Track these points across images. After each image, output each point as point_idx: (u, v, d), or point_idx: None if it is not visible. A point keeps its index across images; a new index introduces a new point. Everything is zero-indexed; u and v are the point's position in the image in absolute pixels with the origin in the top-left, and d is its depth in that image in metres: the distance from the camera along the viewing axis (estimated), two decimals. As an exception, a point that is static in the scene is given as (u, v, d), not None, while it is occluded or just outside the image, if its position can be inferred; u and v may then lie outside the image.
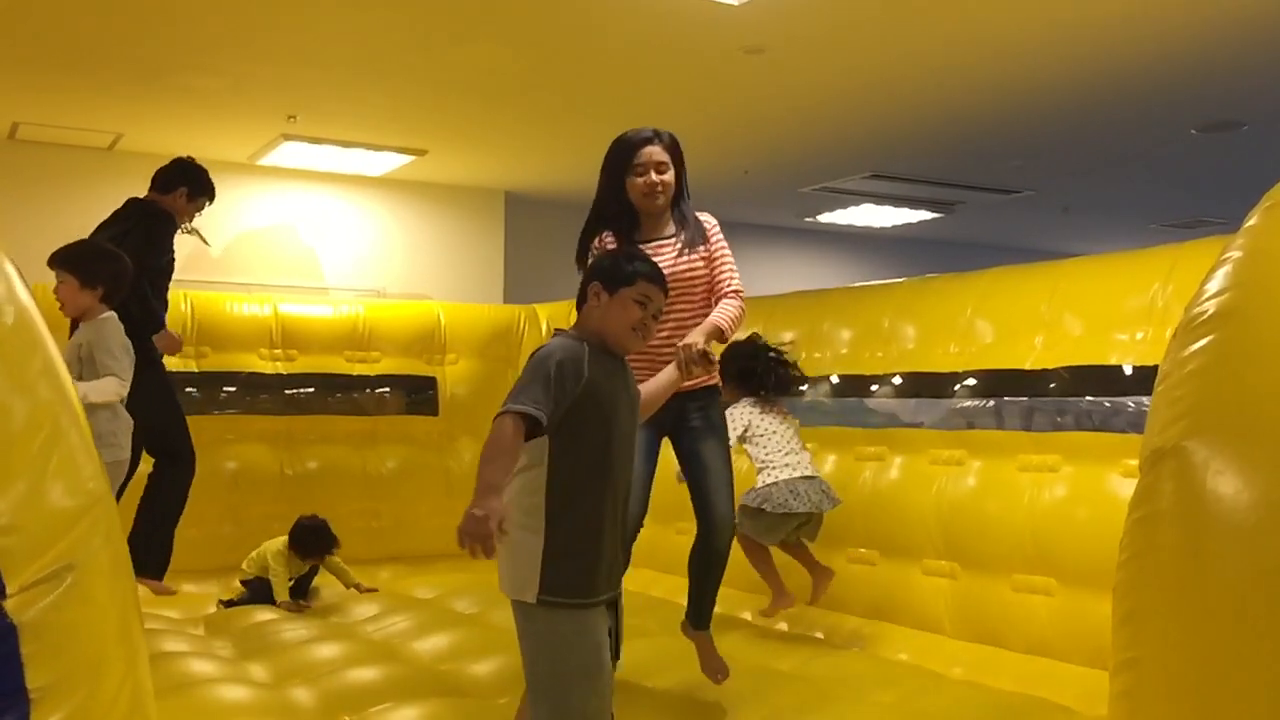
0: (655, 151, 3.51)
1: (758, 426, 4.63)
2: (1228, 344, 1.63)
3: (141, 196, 5.24)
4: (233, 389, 6.38)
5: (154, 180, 5.26)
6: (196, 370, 6.28)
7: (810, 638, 4.78)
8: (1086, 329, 4.26)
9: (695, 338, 3.29)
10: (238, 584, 5.66)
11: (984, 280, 4.84)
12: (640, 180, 3.50)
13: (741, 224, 10.45)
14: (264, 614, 5.08)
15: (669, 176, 3.52)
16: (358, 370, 6.73)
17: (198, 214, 5.38)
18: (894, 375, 4.94)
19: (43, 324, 1.77)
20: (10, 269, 1.71)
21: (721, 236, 3.64)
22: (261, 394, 6.45)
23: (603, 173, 3.63)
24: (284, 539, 5.46)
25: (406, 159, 8.18)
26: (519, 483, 2.62)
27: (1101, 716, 2.38)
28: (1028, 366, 4.38)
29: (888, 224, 10.91)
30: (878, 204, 9.88)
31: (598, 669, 2.59)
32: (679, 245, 3.55)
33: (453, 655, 4.24)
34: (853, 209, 10.15)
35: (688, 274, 3.53)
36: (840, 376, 5.19)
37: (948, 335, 4.78)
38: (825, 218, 10.62)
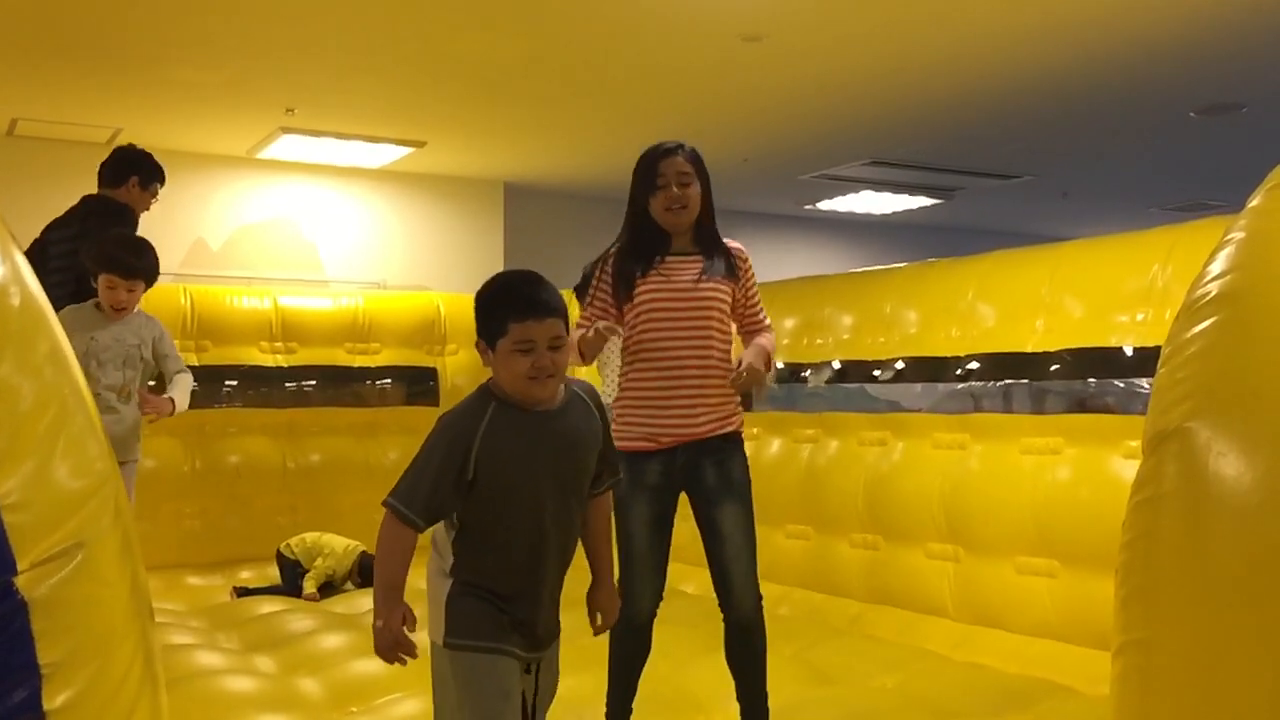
0: (678, 163, 3.19)
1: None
2: (1231, 325, 1.63)
3: (94, 193, 5.09)
4: (234, 382, 6.40)
5: (101, 175, 5.08)
6: (198, 364, 6.28)
7: (813, 621, 4.79)
8: (1087, 311, 4.26)
9: (753, 359, 3.11)
10: (245, 575, 5.72)
11: (985, 264, 4.84)
12: (661, 196, 3.18)
13: (741, 212, 10.43)
14: (270, 606, 5.10)
15: (693, 190, 3.20)
16: (358, 362, 6.75)
17: (154, 200, 5.19)
18: (896, 360, 4.94)
19: (49, 307, 1.78)
20: (16, 253, 1.72)
21: (753, 271, 3.36)
22: (263, 387, 6.47)
23: (629, 198, 3.31)
24: (354, 547, 5.64)
25: (405, 151, 8.17)
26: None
27: (1105, 697, 2.39)
28: (1029, 349, 4.39)
29: (887, 210, 10.90)
30: (877, 191, 9.87)
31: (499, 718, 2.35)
32: (701, 267, 3.22)
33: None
34: (852, 196, 10.14)
35: (709, 295, 3.20)
36: (842, 362, 5.20)
37: (949, 319, 4.78)
38: (825, 205, 10.62)
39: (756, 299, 3.33)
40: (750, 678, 3.21)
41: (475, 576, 2.40)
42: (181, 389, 4.32)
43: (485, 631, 2.37)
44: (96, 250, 4.26)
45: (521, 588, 2.39)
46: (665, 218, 3.18)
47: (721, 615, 3.22)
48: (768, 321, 3.37)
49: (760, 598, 3.20)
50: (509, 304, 2.37)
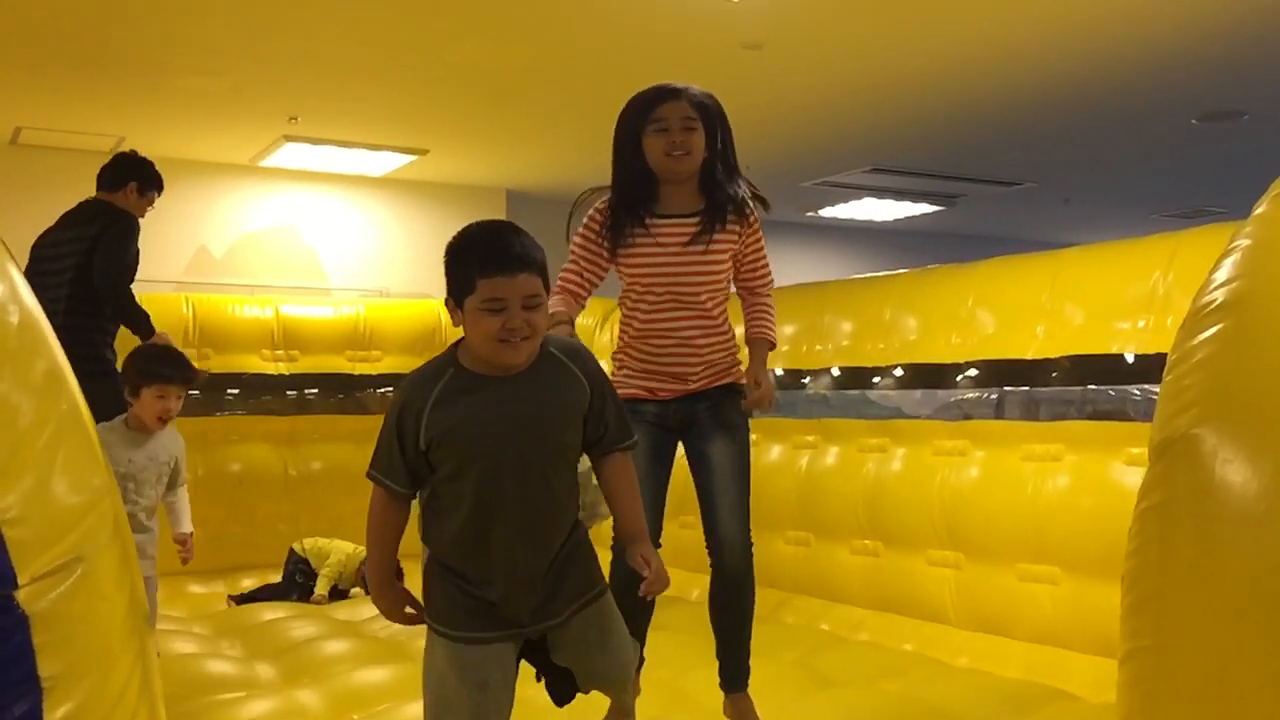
0: (680, 107, 2.87)
1: None
2: (1237, 332, 1.63)
3: (95, 197, 5.09)
4: (236, 390, 6.41)
5: (100, 179, 5.09)
6: (200, 372, 6.31)
7: (814, 628, 4.78)
8: (1088, 318, 4.26)
9: (761, 375, 2.94)
10: (247, 582, 5.71)
11: (985, 270, 4.84)
12: (661, 140, 2.86)
13: (742, 219, 10.42)
14: (273, 613, 5.10)
15: (697, 138, 2.87)
16: (360, 370, 6.75)
17: (149, 208, 5.18)
18: (896, 367, 4.94)
19: (47, 325, 1.79)
20: (14, 271, 1.72)
21: (758, 223, 3.05)
22: (265, 395, 6.48)
23: (615, 140, 3.04)
24: (361, 550, 5.62)
25: (408, 159, 8.19)
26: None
27: (1107, 704, 2.38)
28: (1030, 356, 4.38)
29: (889, 218, 10.92)
30: (879, 198, 9.89)
31: (471, 715, 2.19)
32: (698, 227, 2.91)
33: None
34: (854, 203, 10.16)
35: (701, 268, 2.92)
36: (841, 369, 5.19)
37: (949, 326, 4.78)
38: (827, 212, 10.63)
39: (758, 254, 3.06)
40: (734, 634, 3.03)
41: (438, 551, 2.25)
42: (188, 513, 4.31)
43: (458, 619, 2.20)
44: (138, 367, 4.13)
45: (487, 568, 2.18)
46: (665, 163, 2.88)
47: (709, 564, 3.00)
48: (769, 278, 3.11)
49: (750, 545, 3.00)
50: (477, 257, 2.10)
